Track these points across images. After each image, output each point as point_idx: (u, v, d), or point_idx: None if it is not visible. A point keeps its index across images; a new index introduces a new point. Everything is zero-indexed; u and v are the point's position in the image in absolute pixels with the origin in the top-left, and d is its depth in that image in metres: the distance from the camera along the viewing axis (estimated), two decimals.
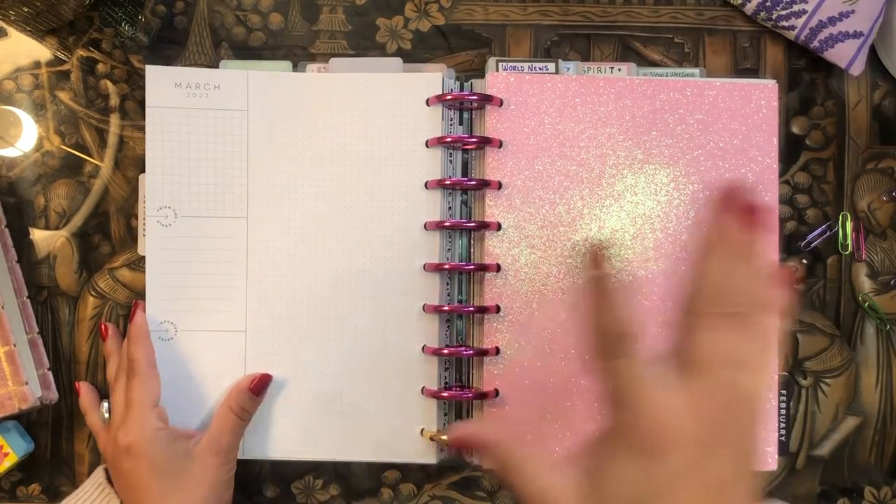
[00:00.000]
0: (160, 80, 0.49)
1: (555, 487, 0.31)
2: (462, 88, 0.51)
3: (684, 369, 0.30)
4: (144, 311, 0.49)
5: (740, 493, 0.29)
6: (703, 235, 0.31)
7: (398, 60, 0.50)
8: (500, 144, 0.49)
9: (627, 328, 0.31)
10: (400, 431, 0.49)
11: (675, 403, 0.29)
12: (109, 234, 0.52)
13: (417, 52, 0.53)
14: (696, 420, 0.29)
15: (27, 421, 0.51)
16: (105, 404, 0.48)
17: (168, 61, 0.52)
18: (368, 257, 0.49)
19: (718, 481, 0.28)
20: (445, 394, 0.48)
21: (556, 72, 0.50)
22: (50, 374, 0.50)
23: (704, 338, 0.30)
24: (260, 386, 0.48)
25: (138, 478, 0.44)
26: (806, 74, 0.54)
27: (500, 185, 0.49)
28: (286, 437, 0.49)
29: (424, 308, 0.49)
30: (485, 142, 0.49)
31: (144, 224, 0.49)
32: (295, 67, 0.51)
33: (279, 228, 0.49)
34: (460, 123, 0.51)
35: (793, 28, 0.52)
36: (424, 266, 0.49)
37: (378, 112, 0.49)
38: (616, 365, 0.30)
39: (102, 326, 0.51)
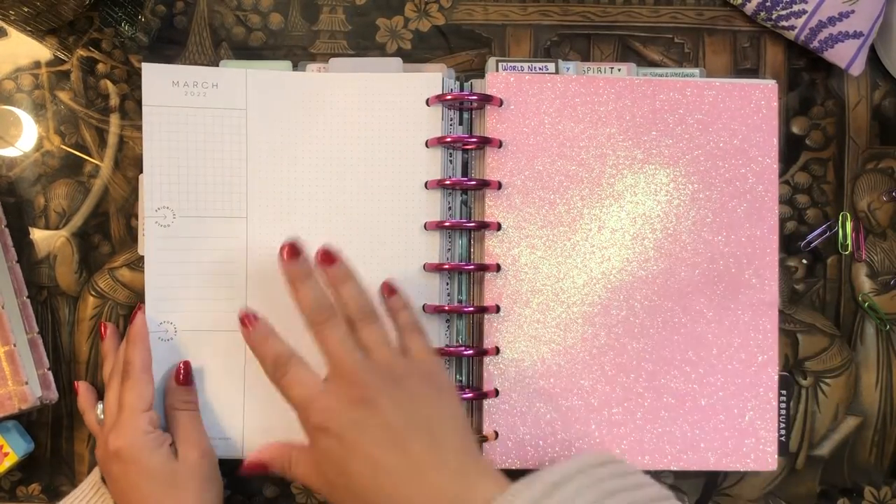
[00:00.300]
0: (157, 79, 0.48)
1: (308, 476, 0.41)
2: (462, 88, 0.51)
3: (331, 372, 0.40)
4: (145, 314, 0.49)
5: (417, 441, 0.38)
6: (285, 282, 0.42)
7: (398, 60, 0.50)
8: (500, 144, 0.49)
9: (282, 349, 0.41)
10: None
11: (322, 389, 0.40)
12: (109, 234, 0.52)
13: (417, 52, 0.53)
14: (339, 392, 0.39)
15: (27, 421, 0.51)
16: (100, 405, 0.48)
17: (168, 61, 0.52)
18: (368, 257, 0.49)
19: (386, 433, 0.38)
20: None
21: (556, 72, 0.50)
22: (50, 374, 0.50)
23: (325, 342, 0.41)
24: (184, 376, 0.48)
25: (129, 482, 0.44)
26: (806, 74, 0.54)
27: (500, 185, 0.49)
28: (287, 438, 0.49)
29: (424, 308, 0.49)
30: (485, 142, 0.49)
31: (144, 224, 0.49)
32: (295, 67, 0.51)
33: (279, 228, 0.49)
34: (460, 123, 0.51)
35: (793, 28, 0.52)
36: (424, 266, 0.49)
37: (378, 112, 0.49)
38: (284, 381, 0.41)
39: (102, 326, 0.50)
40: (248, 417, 0.49)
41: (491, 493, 0.35)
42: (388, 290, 0.46)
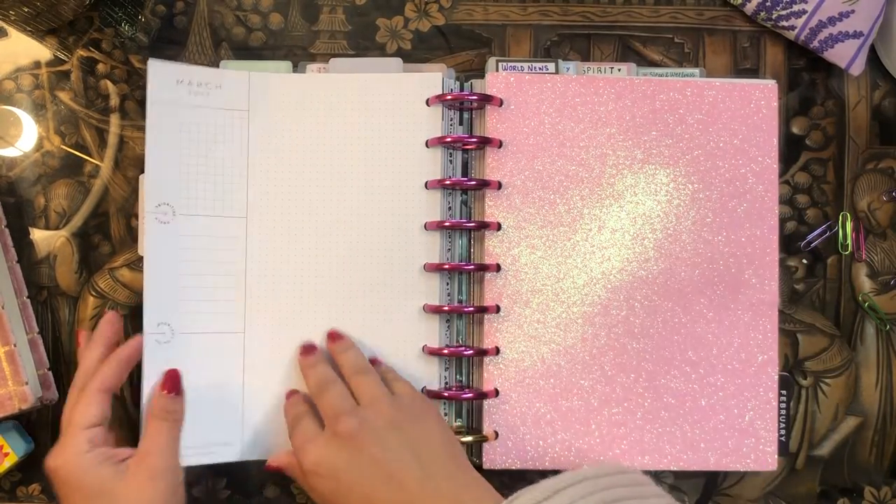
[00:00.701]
0: (162, 76, 0.48)
1: (312, 488, 0.43)
2: (462, 88, 0.51)
3: (327, 427, 0.44)
4: (141, 343, 0.46)
5: (413, 475, 0.40)
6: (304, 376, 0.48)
7: (398, 60, 0.50)
8: (500, 144, 0.49)
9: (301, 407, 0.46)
10: None
11: (324, 450, 0.43)
12: (109, 234, 0.52)
13: (417, 52, 0.53)
14: (348, 458, 0.41)
15: (27, 421, 0.51)
16: None
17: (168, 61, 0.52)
18: (368, 257, 0.49)
19: (378, 480, 0.40)
20: (445, 394, 0.48)
21: (556, 72, 0.50)
22: (50, 374, 0.50)
23: (321, 399, 0.45)
24: (170, 384, 0.45)
25: (65, 502, 0.42)
26: (806, 74, 0.54)
27: (499, 185, 0.49)
28: (285, 438, 0.49)
29: (424, 308, 0.49)
30: (485, 142, 0.49)
31: (144, 221, 0.48)
32: (295, 67, 0.51)
33: (278, 228, 0.49)
34: (460, 123, 0.51)
35: (793, 28, 0.52)
36: (424, 266, 0.49)
37: (378, 112, 0.49)
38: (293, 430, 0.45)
39: (78, 333, 0.48)
40: (247, 421, 0.49)
41: None
42: (334, 336, 0.49)
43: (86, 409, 0.43)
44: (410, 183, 0.49)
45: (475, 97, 0.49)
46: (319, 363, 0.47)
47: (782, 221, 0.53)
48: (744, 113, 0.50)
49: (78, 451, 0.42)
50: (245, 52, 0.53)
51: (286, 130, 0.49)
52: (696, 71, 0.52)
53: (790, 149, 0.54)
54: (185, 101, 0.48)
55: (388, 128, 0.49)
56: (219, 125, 0.49)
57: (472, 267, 0.49)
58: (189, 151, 0.48)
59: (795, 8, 0.51)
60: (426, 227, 0.49)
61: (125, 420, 0.52)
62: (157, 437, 0.44)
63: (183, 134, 0.48)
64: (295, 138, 0.49)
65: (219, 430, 0.48)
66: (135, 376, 0.51)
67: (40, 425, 0.52)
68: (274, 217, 0.49)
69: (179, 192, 0.48)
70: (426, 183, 0.49)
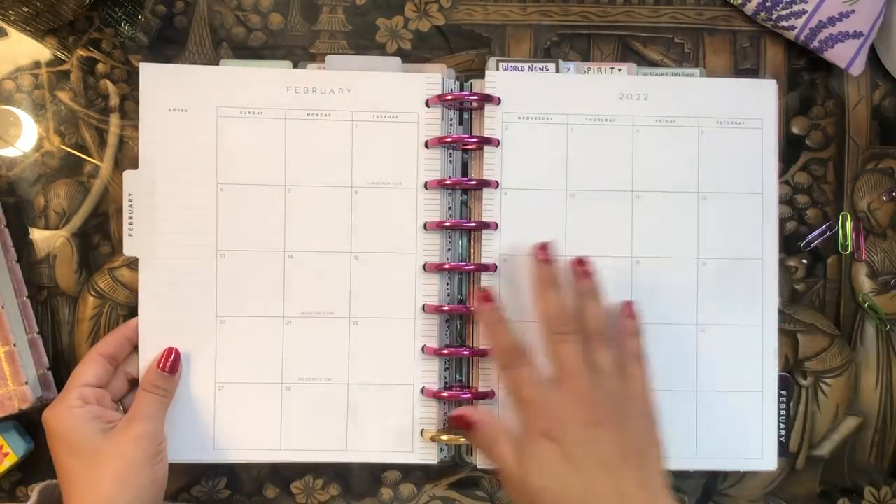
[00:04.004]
0: (155, 79, 0.49)
1: (510, 467, 0.42)
2: (462, 88, 0.51)
3: (555, 374, 0.43)
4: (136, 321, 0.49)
5: (633, 462, 0.40)
6: (531, 282, 0.46)
7: (397, 60, 0.50)
8: (500, 144, 0.49)
9: (516, 346, 0.44)
10: (400, 431, 0.49)
11: (559, 399, 0.42)
12: (109, 234, 0.52)
13: (417, 52, 0.53)
14: (573, 414, 0.41)
15: (27, 421, 0.51)
16: None
17: (168, 61, 0.52)
18: (368, 257, 0.49)
19: (609, 453, 0.40)
20: (445, 394, 0.48)
21: (557, 72, 0.50)
22: (50, 374, 0.50)
23: (555, 354, 0.43)
24: (168, 364, 0.47)
25: (54, 455, 0.44)
26: (806, 74, 0.54)
27: (498, 185, 0.49)
28: (285, 438, 0.49)
29: (425, 307, 0.49)
30: (485, 142, 0.49)
31: (131, 224, 0.49)
32: (295, 67, 0.51)
33: (278, 228, 0.49)
34: (460, 123, 0.51)
35: (793, 28, 0.52)
36: (424, 266, 0.49)
37: (378, 112, 0.49)
38: (510, 374, 0.44)
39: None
40: (220, 419, 0.49)
41: None
42: (629, 312, 0.47)
43: (82, 368, 0.46)
44: (410, 183, 0.49)
45: (475, 97, 0.49)
46: (560, 294, 0.45)
47: (782, 221, 0.53)
48: (744, 112, 0.50)
49: (69, 405, 0.44)
50: (245, 52, 0.53)
51: (285, 129, 0.49)
52: (696, 71, 0.52)
53: (790, 149, 0.54)
54: (180, 104, 0.48)
55: (388, 128, 0.49)
56: (216, 125, 0.49)
57: (472, 267, 0.49)
58: (186, 153, 0.49)
59: (795, 8, 0.51)
60: (426, 227, 0.49)
61: None
62: (144, 407, 0.46)
63: (178, 136, 0.49)
64: (294, 137, 0.49)
65: (191, 429, 0.49)
66: None
67: (40, 425, 0.51)
68: (272, 217, 0.49)
69: (175, 197, 0.49)
70: (426, 183, 0.49)
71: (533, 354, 0.44)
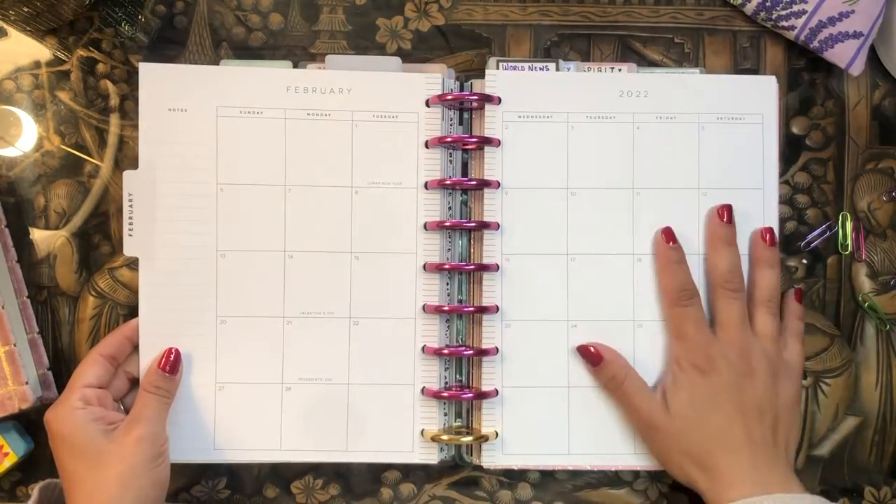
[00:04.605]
0: (155, 79, 0.49)
1: (643, 400, 0.47)
2: (462, 88, 0.51)
3: (719, 324, 0.47)
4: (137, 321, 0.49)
5: (767, 420, 0.45)
6: (706, 238, 0.49)
7: (397, 60, 0.50)
8: (500, 144, 0.49)
9: (687, 287, 0.47)
10: (400, 431, 0.49)
11: (716, 342, 0.46)
12: (109, 234, 0.52)
13: (417, 52, 0.53)
14: (727, 357, 0.46)
15: (27, 421, 0.51)
16: None
17: (168, 61, 0.52)
18: (368, 257, 0.49)
19: (749, 403, 0.45)
20: (445, 394, 0.48)
21: (557, 71, 0.50)
22: (50, 374, 0.50)
23: (720, 306, 0.48)
24: (169, 364, 0.47)
25: (58, 457, 0.44)
26: (806, 74, 0.54)
27: (499, 185, 0.49)
28: (285, 438, 0.49)
29: (425, 308, 0.49)
30: (485, 142, 0.49)
31: (131, 224, 0.49)
32: (295, 67, 0.51)
33: (278, 228, 0.49)
34: (460, 123, 0.51)
35: (793, 28, 0.52)
36: (424, 266, 0.49)
37: (378, 112, 0.49)
38: (678, 311, 0.47)
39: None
40: (220, 419, 0.49)
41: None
42: (798, 297, 0.50)
43: (83, 368, 0.46)
44: (410, 183, 0.49)
45: (475, 97, 0.49)
46: (686, 269, 0.48)
47: (782, 221, 0.53)
48: (743, 110, 0.50)
49: (71, 406, 0.44)
50: (245, 52, 0.53)
51: (284, 129, 0.49)
52: (696, 71, 0.52)
53: (790, 149, 0.54)
54: (180, 105, 0.49)
55: (388, 128, 0.49)
56: (214, 125, 0.49)
57: (472, 267, 0.49)
58: (185, 153, 0.49)
59: (795, 8, 0.51)
60: (426, 227, 0.49)
61: None
62: (146, 408, 0.46)
63: (179, 137, 0.49)
64: (293, 137, 0.49)
65: (191, 430, 0.49)
66: None
67: (40, 425, 0.51)
68: (272, 217, 0.49)
69: (176, 197, 0.49)
70: (426, 183, 0.49)
71: (700, 299, 0.48)
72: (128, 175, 0.49)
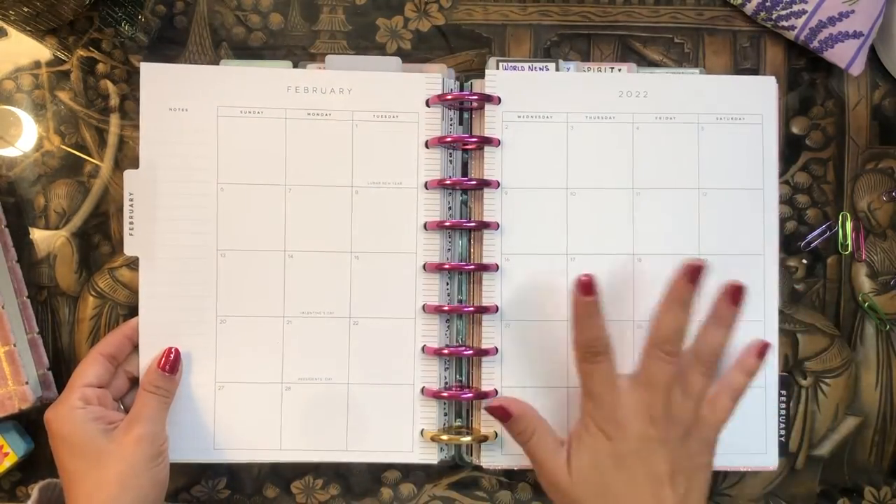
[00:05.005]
0: (155, 78, 0.49)
1: (549, 459, 0.43)
2: (462, 88, 0.51)
3: (638, 383, 0.43)
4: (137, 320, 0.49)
5: (681, 486, 0.41)
6: (665, 293, 0.43)
7: (397, 60, 0.50)
8: (500, 144, 0.49)
9: (599, 342, 0.43)
10: (400, 431, 0.49)
11: (627, 404, 0.42)
12: (109, 234, 0.52)
13: (417, 52, 0.53)
14: (637, 419, 0.42)
15: (27, 421, 0.51)
16: None
17: (168, 61, 0.52)
18: (368, 257, 0.49)
19: (660, 468, 0.41)
20: (445, 394, 0.48)
21: (557, 71, 0.50)
22: (50, 374, 0.50)
23: (650, 364, 0.43)
24: (168, 364, 0.47)
25: (56, 456, 0.44)
26: (806, 74, 0.54)
27: (499, 185, 0.49)
28: (285, 438, 0.49)
29: (425, 308, 0.49)
30: (485, 142, 0.49)
31: (132, 224, 0.49)
32: (295, 67, 0.51)
33: (278, 228, 0.49)
34: (460, 123, 0.51)
35: (793, 28, 0.52)
36: (425, 266, 0.49)
37: (378, 112, 0.49)
38: (587, 368, 0.43)
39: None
40: (220, 419, 0.49)
41: None
42: (759, 352, 0.45)
43: (83, 368, 0.46)
44: (410, 183, 0.49)
45: (475, 97, 0.49)
46: (601, 321, 0.43)
47: (782, 221, 0.53)
48: (743, 110, 0.50)
49: (71, 406, 0.44)
50: (245, 52, 0.53)
51: (284, 129, 0.49)
52: (696, 71, 0.52)
53: (790, 149, 0.54)
54: (181, 105, 0.48)
55: (388, 128, 0.49)
56: (216, 125, 0.49)
57: (472, 267, 0.49)
58: (186, 154, 0.49)
59: (795, 8, 0.51)
60: (426, 227, 0.49)
61: None
62: (143, 407, 0.46)
63: (183, 136, 0.49)
64: (293, 137, 0.49)
65: (190, 429, 0.49)
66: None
67: (40, 425, 0.51)
68: (272, 216, 0.49)
69: (177, 197, 0.49)
70: (426, 183, 0.49)
71: (614, 352, 0.43)
72: (129, 175, 0.49)
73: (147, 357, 0.48)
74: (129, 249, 0.49)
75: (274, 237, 0.49)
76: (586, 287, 0.43)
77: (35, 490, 0.46)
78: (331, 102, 0.49)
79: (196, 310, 0.49)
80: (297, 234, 0.49)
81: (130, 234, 0.49)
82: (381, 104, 0.49)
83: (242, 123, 0.49)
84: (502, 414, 0.44)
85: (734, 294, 0.44)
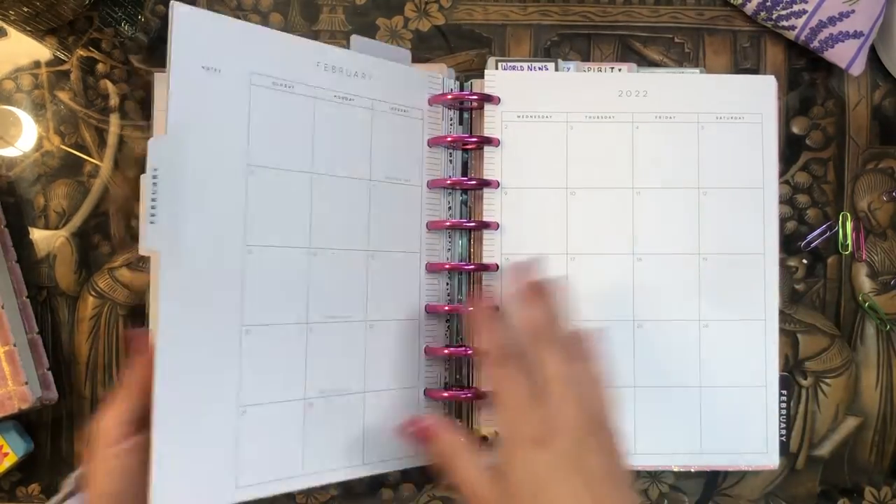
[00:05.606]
0: (191, 26, 0.40)
1: (475, 479, 0.39)
2: (462, 88, 0.51)
3: (545, 382, 0.39)
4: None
5: (613, 482, 0.37)
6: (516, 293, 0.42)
7: (407, 53, 0.50)
8: (500, 144, 0.49)
9: (508, 345, 0.40)
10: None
11: (542, 405, 0.38)
12: (109, 233, 0.52)
13: (417, 52, 0.53)
14: (563, 419, 0.38)
15: (27, 421, 0.51)
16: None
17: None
18: (382, 256, 0.49)
19: (591, 468, 0.37)
20: (445, 394, 0.48)
21: (556, 71, 0.50)
22: (50, 374, 0.50)
23: (544, 357, 0.39)
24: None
25: None
26: (806, 74, 0.54)
27: (499, 185, 0.49)
28: (307, 460, 0.44)
29: (427, 308, 0.49)
30: (485, 142, 0.49)
31: (153, 208, 0.40)
32: None
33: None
34: (460, 123, 0.51)
35: (793, 28, 0.52)
36: (426, 266, 0.49)
37: (392, 104, 0.48)
38: (499, 373, 0.40)
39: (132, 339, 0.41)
40: (242, 450, 0.41)
41: None
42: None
43: (96, 475, 0.40)
44: (416, 181, 0.49)
45: (475, 97, 0.49)
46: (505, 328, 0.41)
47: (782, 221, 0.53)
48: (743, 107, 0.50)
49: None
50: None
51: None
52: (697, 71, 0.52)
53: (790, 149, 0.54)
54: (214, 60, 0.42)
55: (400, 121, 0.48)
56: (222, 104, 0.43)
57: (472, 267, 0.49)
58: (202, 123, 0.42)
59: (795, 8, 0.51)
60: (427, 226, 0.49)
61: None
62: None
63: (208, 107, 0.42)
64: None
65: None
66: None
67: (40, 425, 0.51)
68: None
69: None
70: (427, 182, 0.49)
71: (524, 357, 0.40)
72: (154, 143, 0.39)
73: (163, 382, 0.38)
74: (150, 241, 0.38)
75: (298, 232, 0.44)
76: (482, 300, 0.44)
77: (72, 478, 0.45)
78: (354, 86, 0.46)
79: (220, 320, 0.41)
80: (320, 230, 0.45)
81: (152, 222, 0.38)
82: (394, 95, 0.48)
83: (274, 97, 0.44)
84: (424, 435, 0.41)
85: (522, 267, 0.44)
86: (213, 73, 0.41)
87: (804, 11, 0.51)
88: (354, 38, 0.48)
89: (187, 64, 0.40)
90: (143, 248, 0.39)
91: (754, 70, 0.54)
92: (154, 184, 0.39)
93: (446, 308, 0.49)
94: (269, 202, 0.43)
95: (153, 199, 0.39)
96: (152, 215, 0.39)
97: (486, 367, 0.41)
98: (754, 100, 0.50)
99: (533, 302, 0.42)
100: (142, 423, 0.39)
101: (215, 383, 0.40)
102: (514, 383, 0.39)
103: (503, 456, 0.38)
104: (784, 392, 0.52)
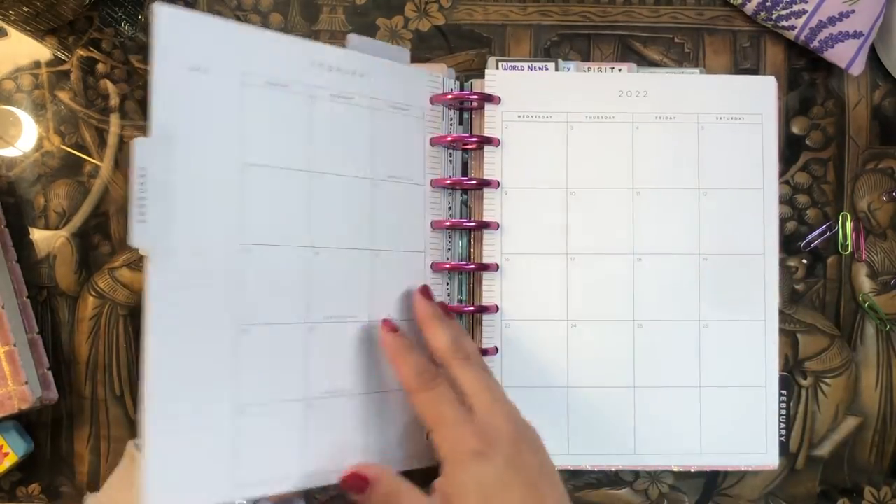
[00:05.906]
0: (173, 27, 0.40)
1: None
2: (462, 88, 0.51)
3: (467, 399, 0.41)
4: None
5: (545, 483, 0.39)
6: (418, 319, 0.45)
7: (406, 52, 0.50)
8: (500, 144, 0.49)
9: (429, 368, 0.42)
10: (403, 434, 0.48)
11: (473, 418, 0.40)
12: (109, 234, 0.52)
13: (417, 52, 0.53)
14: (495, 428, 0.39)
15: (27, 421, 0.51)
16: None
17: None
18: (386, 255, 0.48)
19: (529, 469, 0.38)
20: None
21: (556, 71, 0.50)
22: (50, 374, 0.50)
23: (459, 375, 0.42)
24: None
25: None
26: (806, 74, 0.54)
27: (499, 185, 0.49)
28: (308, 461, 0.44)
29: None
30: (485, 141, 0.49)
31: (142, 207, 0.39)
32: None
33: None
34: (460, 123, 0.51)
35: (793, 28, 0.52)
36: (432, 266, 0.49)
37: (392, 103, 0.48)
38: (426, 396, 0.41)
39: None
40: (241, 449, 0.41)
41: None
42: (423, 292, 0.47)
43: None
44: (419, 180, 0.49)
45: (475, 97, 0.49)
46: (419, 353, 0.43)
47: (782, 221, 0.53)
48: (743, 109, 0.50)
49: None
50: None
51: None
52: (697, 71, 0.52)
53: (790, 149, 0.54)
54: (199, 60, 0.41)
55: (400, 120, 0.48)
56: (218, 101, 0.42)
57: (472, 267, 0.49)
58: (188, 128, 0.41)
59: (795, 8, 0.51)
60: (432, 226, 0.49)
61: (124, 420, 0.52)
62: None
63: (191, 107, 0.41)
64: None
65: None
66: (133, 373, 0.51)
67: (40, 425, 0.51)
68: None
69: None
70: (428, 182, 0.49)
71: (446, 380, 0.41)
72: (139, 144, 0.39)
73: (154, 383, 0.38)
74: (139, 240, 0.38)
75: (298, 231, 0.44)
76: (389, 325, 0.44)
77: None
78: (352, 85, 0.46)
79: (214, 319, 0.40)
80: (320, 229, 0.45)
81: (141, 221, 0.38)
82: (394, 94, 0.48)
83: (268, 96, 0.43)
84: (358, 483, 0.40)
85: (424, 292, 0.46)
86: (201, 73, 0.41)
87: (804, 11, 0.51)
88: (351, 37, 0.47)
89: (171, 65, 0.40)
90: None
91: (754, 70, 0.54)
92: (142, 184, 0.39)
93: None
94: (265, 200, 0.43)
95: (142, 199, 0.39)
96: (141, 214, 0.39)
97: (413, 395, 0.41)
98: (754, 100, 0.50)
99: (435, 326, 0.44)
100: None
101: (210, 382, 0.40)
102: (443, 403, 0.40)
103: (448, 475, 0.39)
104: (784, 392, 0.52)
